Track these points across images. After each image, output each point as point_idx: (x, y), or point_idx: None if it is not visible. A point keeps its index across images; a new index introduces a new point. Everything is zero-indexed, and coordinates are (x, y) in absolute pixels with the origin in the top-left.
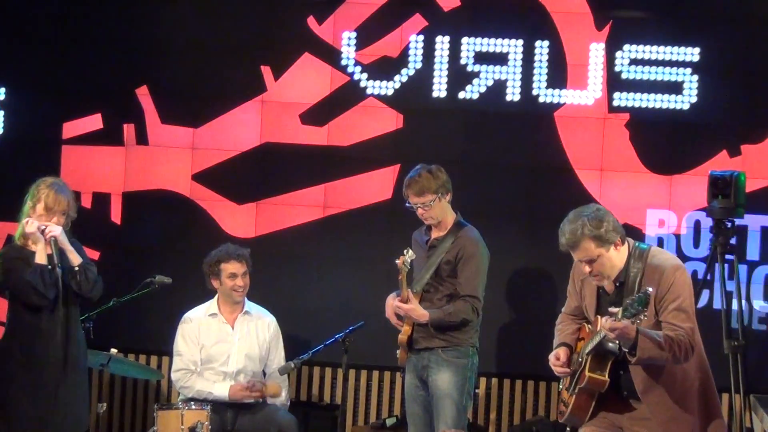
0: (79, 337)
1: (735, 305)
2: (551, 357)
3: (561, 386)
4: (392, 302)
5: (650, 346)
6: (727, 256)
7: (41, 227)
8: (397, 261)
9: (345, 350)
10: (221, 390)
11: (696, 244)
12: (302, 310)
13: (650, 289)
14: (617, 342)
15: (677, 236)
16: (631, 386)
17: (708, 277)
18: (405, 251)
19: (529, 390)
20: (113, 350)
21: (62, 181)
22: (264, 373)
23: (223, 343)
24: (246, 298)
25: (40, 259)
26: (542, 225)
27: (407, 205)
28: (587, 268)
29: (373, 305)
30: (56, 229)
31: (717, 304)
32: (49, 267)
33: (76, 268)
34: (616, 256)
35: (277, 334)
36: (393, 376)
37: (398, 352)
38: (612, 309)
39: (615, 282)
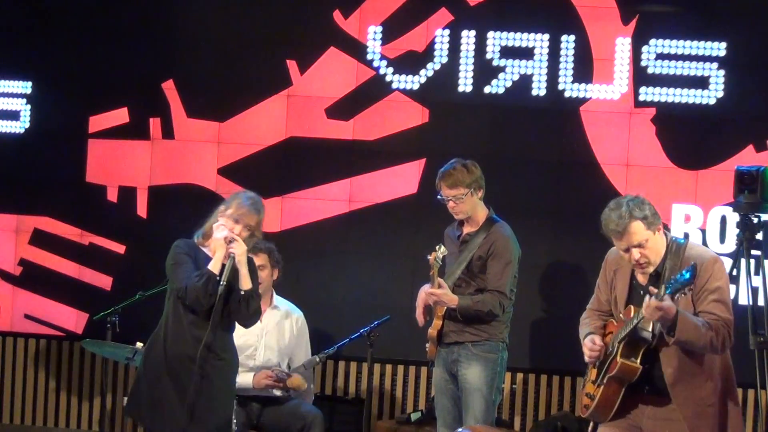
0: (227, 354)
1: (761, 301)
2: (587, 342)
3: (586, 379)
4: (423, 292)
5: (690, 328)
6: (753, 252)
7: (228, 238)
8: (429, 257)
9: (370, 344)
10: (245, 379)
11: (722, 240)
12: (327, 305)
13: (696, 264)
14: (650, 330)
15: (703, 231)
16: (654, 381)
17: (734, 273)
18: (437, 247)
19: (554, 385)
20: (139, 344)
21: (261, 200)
22: (289, 367)
23: (251, 336)
24: (275, 293)
25: (214, 267)
26: (567, 220)
27: (438, 197)
28: (636, 255)
29: (399, 300)
30: (239, 249)
31: (743, 299)
32: (218, 278)
33: (242, 293)
34: (660, 242)
35: (303, 331)
36: (418, 370)
37: (427, 345)
38: (652, 289)
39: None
